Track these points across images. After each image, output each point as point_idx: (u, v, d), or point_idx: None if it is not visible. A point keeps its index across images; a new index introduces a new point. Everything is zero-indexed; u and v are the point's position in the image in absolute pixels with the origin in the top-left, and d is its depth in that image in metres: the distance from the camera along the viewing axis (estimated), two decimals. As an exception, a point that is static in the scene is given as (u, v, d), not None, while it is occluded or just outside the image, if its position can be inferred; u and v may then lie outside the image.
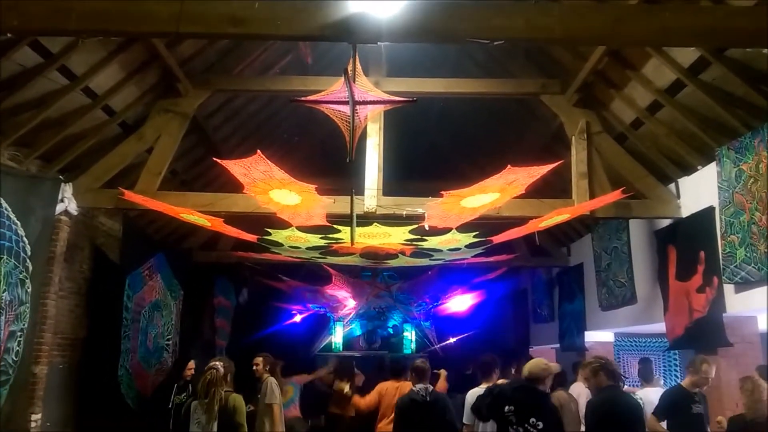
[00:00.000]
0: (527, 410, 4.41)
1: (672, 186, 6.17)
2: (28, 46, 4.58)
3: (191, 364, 6.41)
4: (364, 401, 6.29)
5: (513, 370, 8.13)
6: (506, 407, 4.46)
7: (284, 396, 7.38)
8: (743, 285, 5.01)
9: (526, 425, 4.36)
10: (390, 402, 6.06)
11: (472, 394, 5.33)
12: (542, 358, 4.82)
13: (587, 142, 6.05)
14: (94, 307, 6.58)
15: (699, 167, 5.80)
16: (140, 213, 7.03)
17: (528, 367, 4.61)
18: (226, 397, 4.53)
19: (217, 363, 4.65)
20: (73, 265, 6.23)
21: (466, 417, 5.27)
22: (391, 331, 12.99)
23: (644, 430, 4.61)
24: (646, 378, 6.41)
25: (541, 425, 4.34)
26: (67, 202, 5.57)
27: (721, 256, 5.24)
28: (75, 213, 5.70)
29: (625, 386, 6.24)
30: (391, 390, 6.11)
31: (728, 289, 5.23)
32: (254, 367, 6.06)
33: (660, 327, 6.51)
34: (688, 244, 5.81)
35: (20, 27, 3.62)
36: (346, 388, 7.04)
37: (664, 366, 11.09)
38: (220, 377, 4.55)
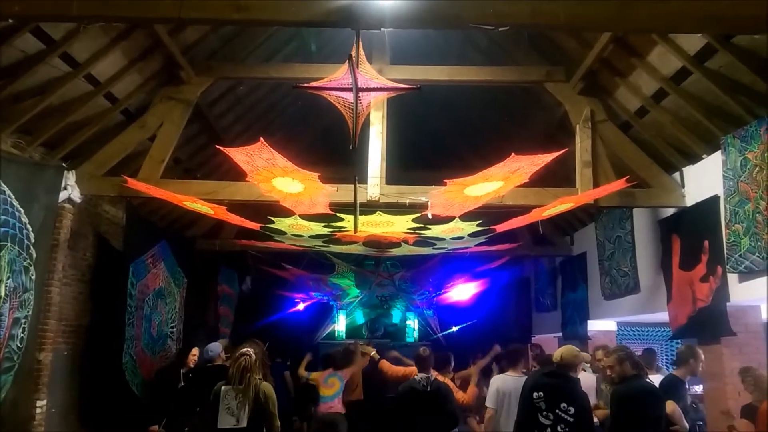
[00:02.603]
0: (558, 396, 4.39)
1: (676, 175, 6.14)
2: (30, 33, 4.56)
3: (195, 350, 6.44)
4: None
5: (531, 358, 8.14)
6: (534, 394, 4.45)
7: (329, 390, 7.31)
8: (747, 274, 5.00)
9: (557, 411, 4.33)
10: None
11: (497, 379, 5.36)
12: (573, 346, 4.81)
13: (591, 131, 6.01)
14: (97, 294, 6.60)
15: (704, 156, 5.76)
16: (143, 201, 7.03)
17: (560, 353, 4.63)
18: (258, 384, 4.42)
19: (249, 349, 4.52)
20: (76, 252, 6.25)
21: (489, 400, 5.30)
22: (396, 321, 13.02)
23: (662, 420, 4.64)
24: (650, 367, 6.43)
25: (572, 410, 4.33)
26: (71, 189, 5.57)
27: (725, 246, 5.22)
28: (78, 200, 5.71)
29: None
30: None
31: (732, 278, 5.22)
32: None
33: (663, 316, 6.51)
34: (692, 234, 5.79)
35: (22, 13, 3.62)
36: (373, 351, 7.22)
37: (667, 355, 11.12)
38: (253, 363, 4.40)
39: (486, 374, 6.86)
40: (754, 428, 4.56)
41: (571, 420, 4.32)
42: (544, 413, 4.36)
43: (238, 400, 4.34)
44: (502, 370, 5.64)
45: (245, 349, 4.50)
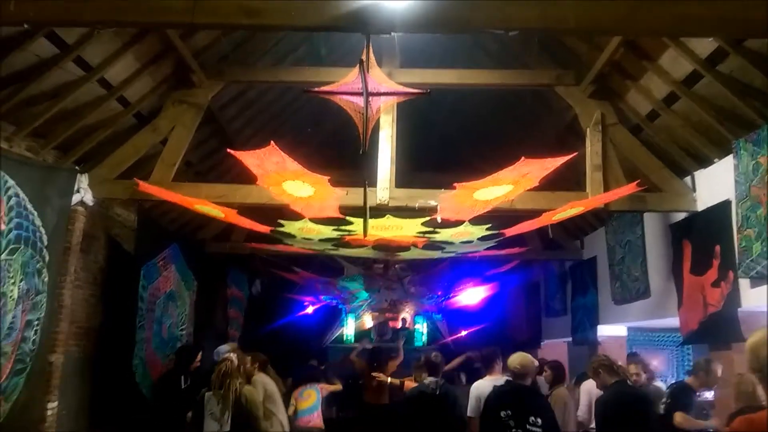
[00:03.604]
0: (525, 410, 4.39)
1: (688, 179, 6.10)
2: (45, 38, 4.61)
3: (199, 355, 6.44)
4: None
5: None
6: (502, 413, 4.41)
7: (305, 402, 7.06)
8: (759, 279, 4.94)
9: (527, 425, 4.33)
10: None
11: (476, 387, 5.34)
12: (526, 354, 4.84)
13: (602, 134, 5.98)
14: (109, 297, 6.64)
15: (715, 160, 5.72)
16: (155, 204, 7.08)
17: (519, 361, 4.63)
18: (240, 389, 4.56)
19: (231, 354, 4.68)
20: (88, 255, 6.29)
21: (471, 410, 5.27)
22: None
23: (651, 423, 4.66)
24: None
25: (540, 422, 4.35)
26: (83, 192, 5.61)
27: (736, 251, 5.18)
28: (91, 203, 5.74)
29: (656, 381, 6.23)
30: None
31: (744, 283, 5.17)
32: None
33: (674, 321, 6.46)
34: (703, 238, 5.75)
35: (36, 18, 3.66)
36: (384, 377, 6.84)
37: (678, 361, 11.04)
38: (234, 369, 4.58)
39: (450, 381, 6.79)
40: None
41: (541, 431, 4.35)
42: (514, 430, 4.37)
43: (219, 405, 4.43)
44: (480, 376, 5.63)
45: (227, 355, 4.68)
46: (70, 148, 5.76)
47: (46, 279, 5.17)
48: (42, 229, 5.12)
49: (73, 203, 5.55)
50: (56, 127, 5.40)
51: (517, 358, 4.66)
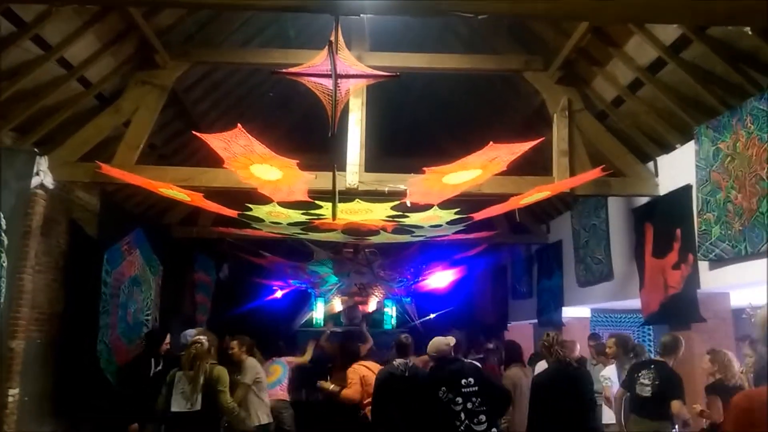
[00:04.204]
0: (454, 378, 4.63)
1: (650, 164, 6.24)
2: (1, 15, 4.43)
3: (167, 338, 6.38)
4: (352, 392, 5.87)
5: (492, 345, 8.28)
6: (439, 392, 4.63)
7: (270, 377, 6.97)
8: (717, 262, 5.11)
9: (462, 390, 4.56)
10: None
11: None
12: (440, 337, 5.08)
13: (569, 120, 6.07)
14: (71, 281, 6.49)
15: (677, 145, 5.86)
16: (118, 187, 6.93)
17: (435, 347, 4.93)
18: (210, 369, 4.74)
19: (201, 337, 4.79)
20: (49, 239, 6.13)
21: None
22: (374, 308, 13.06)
23: (587, 403, 4.84)
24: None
25: (472, 380, 4.60)
26: (43, 175, 5.46)
27: (696, 234, 5.33)
28: (51, 187, 5.60)
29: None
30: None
31: (703, 266, 5.33)
32: (230, 351, 5.92)
33: (636, 303, 6.64)
34: (664, 222, 5.90)
35: (-9, -7, 3.52)
36: (330, 386, 6.62)
37: (638, 341, 11.32)
38: (204, 351, 4.77)
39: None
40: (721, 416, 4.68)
41: (477, 389, 4.57)
42: (454, 399, 4.56)
43: (190, 385, 4.64)
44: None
45: (197, 338, 4.88)
46: (29, 129, 5.57)
47: (5, 263, 5.04)
48: (0, 213, 4.98)
49: (32, 186, 5.40)
50: (14, 107, 5.22)
51: (432, 345, 4.95)
